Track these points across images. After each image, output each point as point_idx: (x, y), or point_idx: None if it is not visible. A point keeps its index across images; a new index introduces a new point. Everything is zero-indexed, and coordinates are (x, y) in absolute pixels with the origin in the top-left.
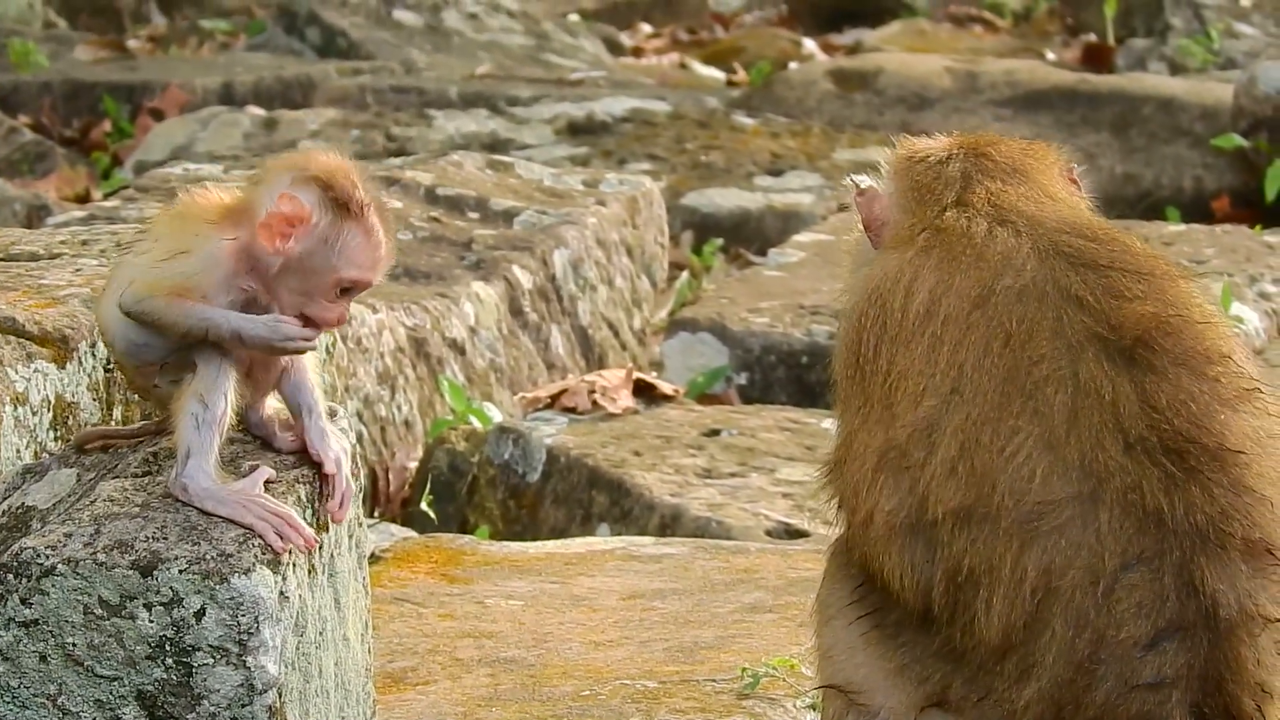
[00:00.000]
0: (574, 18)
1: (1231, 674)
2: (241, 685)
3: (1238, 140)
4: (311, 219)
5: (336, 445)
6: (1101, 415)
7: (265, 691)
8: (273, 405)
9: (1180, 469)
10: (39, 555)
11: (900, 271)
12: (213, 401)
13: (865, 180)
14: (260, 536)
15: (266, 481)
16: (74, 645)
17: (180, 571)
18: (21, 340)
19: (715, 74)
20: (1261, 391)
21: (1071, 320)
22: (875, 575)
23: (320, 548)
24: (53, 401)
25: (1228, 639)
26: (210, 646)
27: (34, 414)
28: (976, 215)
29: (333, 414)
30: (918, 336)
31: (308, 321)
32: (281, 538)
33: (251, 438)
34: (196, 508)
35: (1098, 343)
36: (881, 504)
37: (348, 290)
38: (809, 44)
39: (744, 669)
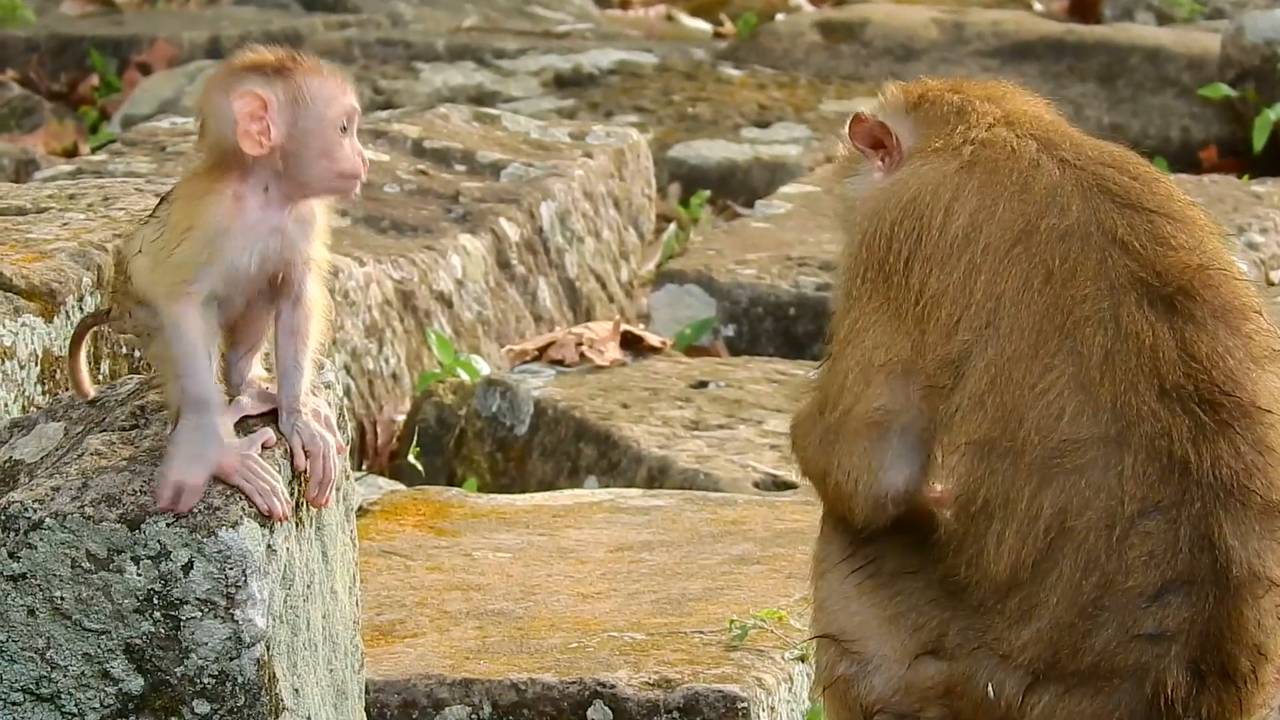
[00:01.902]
0: None
1: (1232, 633)
2: (229, 638)
3: (1225, 90)
4: (270, 98)
5: (310, 433)
6: (1139, 359)
7: (253, 644)
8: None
9: (1213, 420)
10: (26, 509)
11: (940, 186)
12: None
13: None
14: (248, 499)
15: (264, 445)
16: (62, 599)
17: (168, 525)
18: (9, 294)
19: (702, 26)
20: None
21: (1115, 263)
22: (829, 482)
23: (307, 502)
24: (40, 355)
25: (1233, 597)
26: (198, 600)
27: (21, 368)
28: (1025, 135)
29: (318, 367)
30: (955, 259)
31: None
32: (269, 508)
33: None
34: None
35: (1141, 287)
36: (866, 400)
37: (345, 129)
38: None
39: (732, 621)
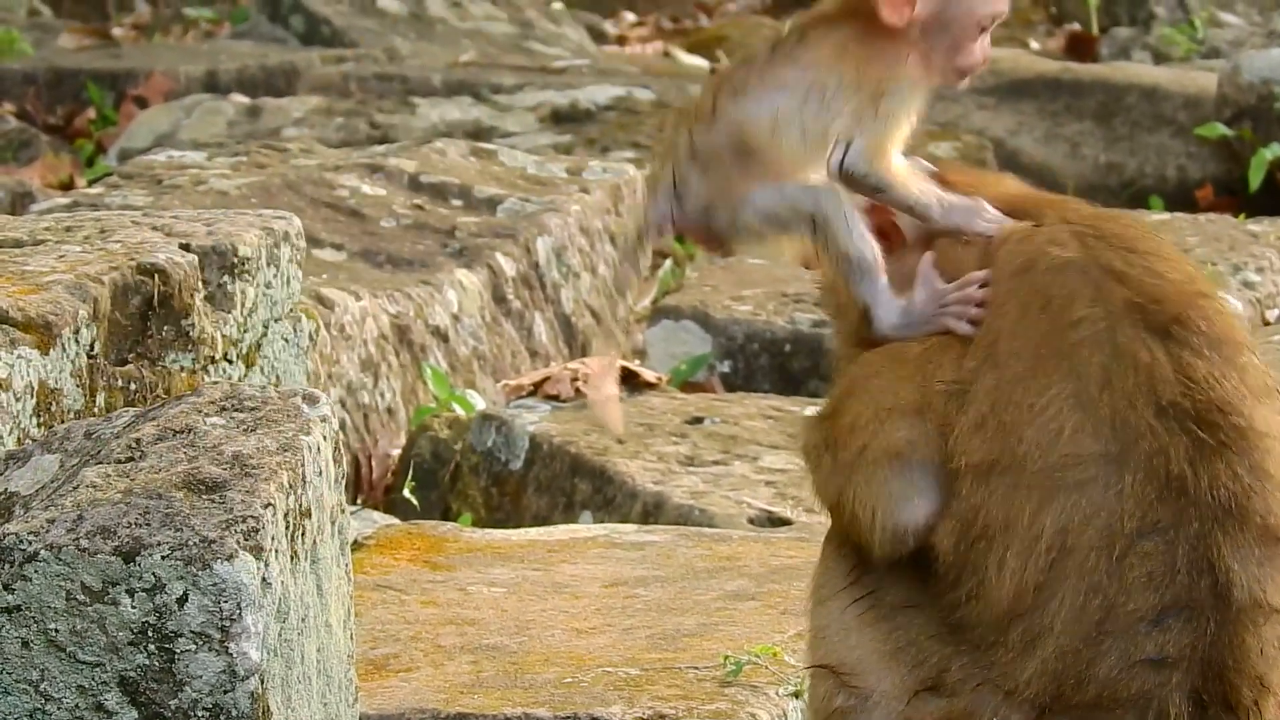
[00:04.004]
0: (558, 6)
1: (1234, 661)
2: (224, 671)
3: (1221, 129)
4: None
5: None
6: (1136, 378)
7: (247, 678)
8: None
9: (1212, 440)
10: (21, 541)
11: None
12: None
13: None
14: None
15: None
16: (56, 631)
17: (163, 557)
18: (4, 326)
19: (699, 62)
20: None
21: (1111, 291)
22: (844, 511)
23: (303, 534)
24: (36, 388)
25: (1234, 623)
26: (193, 633)
27: (17, 400)
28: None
29: (313, 400)
30: None
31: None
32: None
33: None
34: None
35: (1137, 311)
36: (884, 435)
37: (985, 29)
38: None
39: (726, 656)
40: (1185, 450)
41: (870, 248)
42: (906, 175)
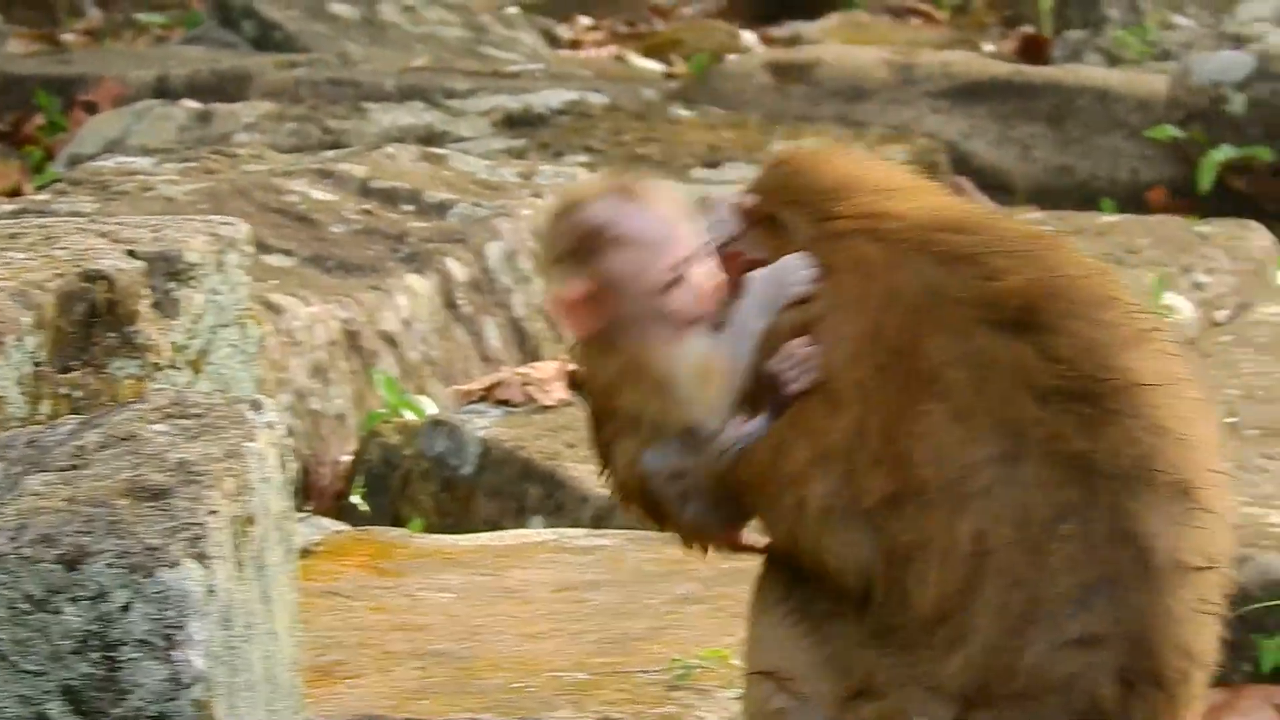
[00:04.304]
0: (511, 10)
1: (1159, 631)
2: (168, 679)
3: (1172, 131)
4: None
5: None
6: (1006, 378)
7: (192, 685)
8: None
9: (1098, 410)
10: None
11: None
12: None
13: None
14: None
15: None
16: None
17: (107, 565)
18: None
19: (653, 66)
20: (1160, 331)
21: (949, 314)
22: (809, 558)
23: (248, 541)
24: None
25: (1157, 590)
26: (137, 641)
27: None
28: (847, 233)
29: (259, 406)
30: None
31: None
32: None
33: None
34: None
35: (982, 324)
36: (814, 489)
37: (675, 277)
38: (747, 36)
39: (675, 660)
40: (1078, 427)
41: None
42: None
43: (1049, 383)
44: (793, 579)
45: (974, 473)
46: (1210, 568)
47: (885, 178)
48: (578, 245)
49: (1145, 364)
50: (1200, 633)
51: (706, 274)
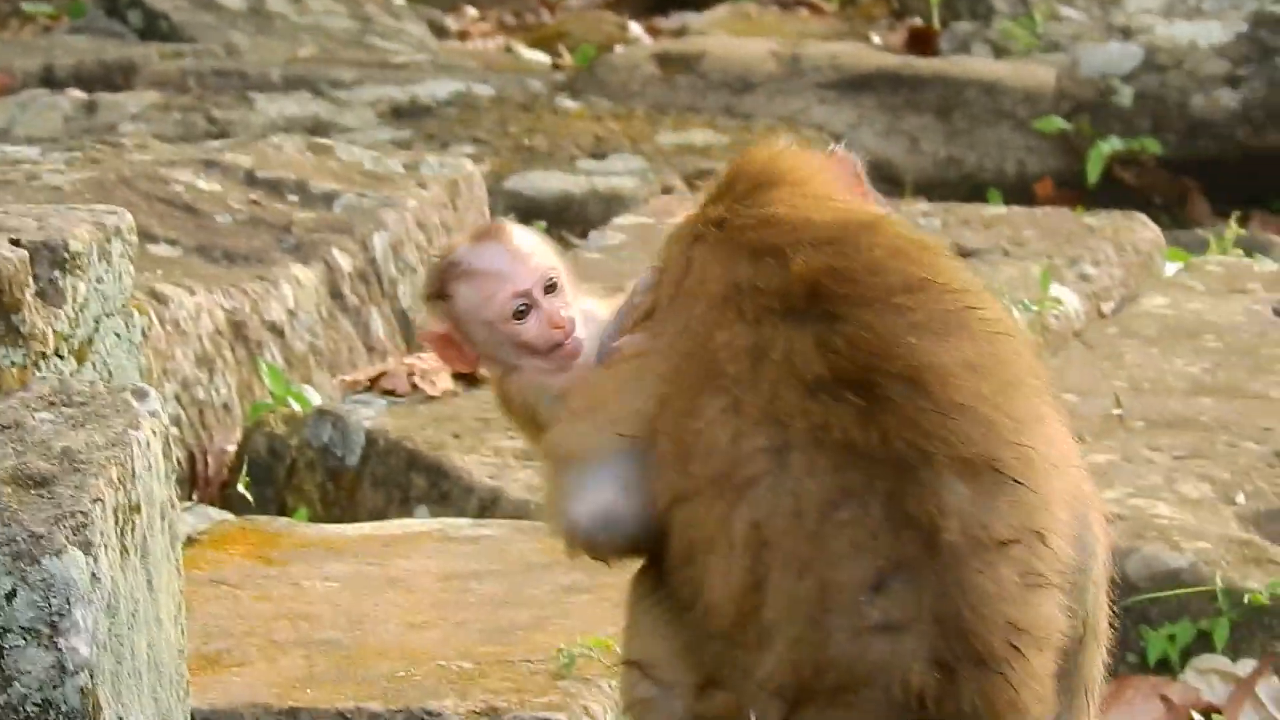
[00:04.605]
0: (398, 1)
1: (971, 610)
2: (53, 667)
3: (1060, 123)
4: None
5: None
6: (776, 370)
7: (77, 673)
8: None
9: (868, 399)
10: None
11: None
12: None
13: None
14: None
15: None
16: None
17: None
18: None
19: (540, 58)
20: (981, 310)
21: (746, 305)
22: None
23: (133, 529)
24: None
25: (956, 569)
26: (21, 628)
27: None
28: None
29: (143, 395)
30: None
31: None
32: None
33: None
34: None
35: (772, 312)
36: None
37: (520, 312)
38: (635, 28)
39: (560, 649)
40: (849, 417)
41: None
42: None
43: (817, 373)
44: (655, 568)
45: (744, 465)
46: (1017, 540)
47: (783, 175)
48: (434, 285)
49: (940, 348)
50: (1031, 607)
51: (560, 303)
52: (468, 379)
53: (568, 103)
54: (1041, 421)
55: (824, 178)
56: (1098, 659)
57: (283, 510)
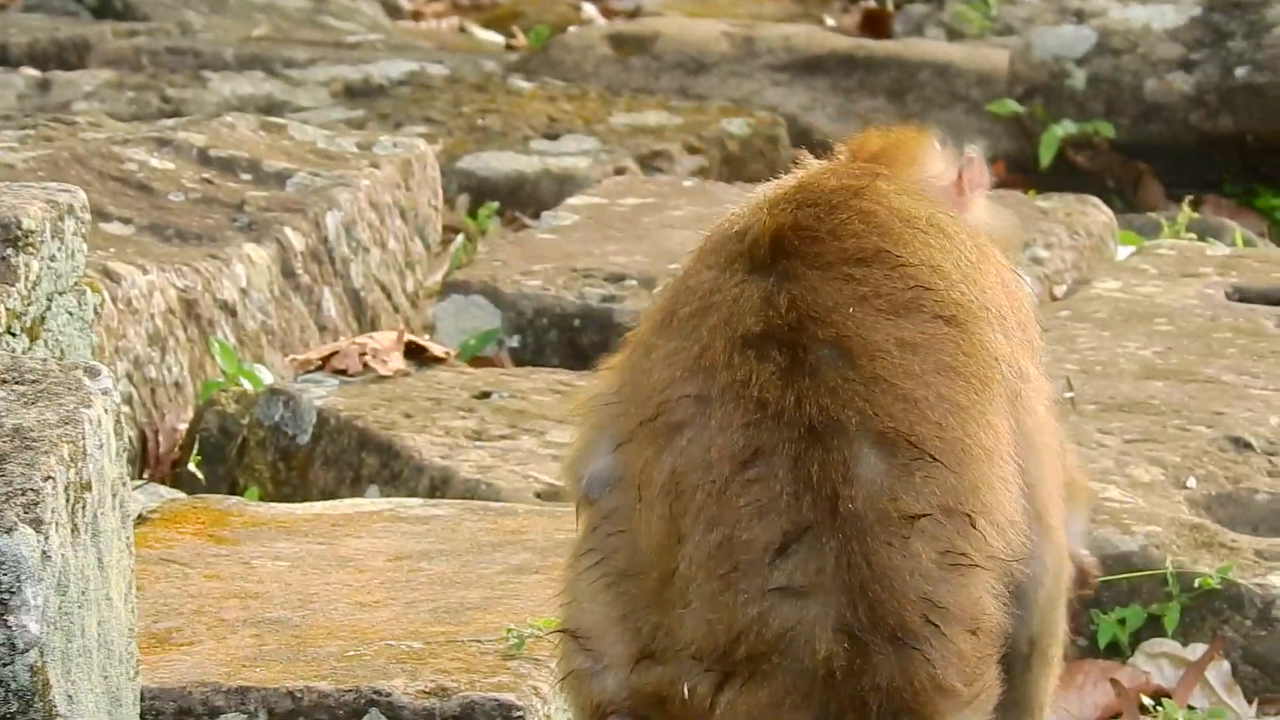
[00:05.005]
0: None
1: (881, 583)
2: (3, 644)
3: (1013, 106)
4: None
5: None
6: (718, 318)
7: (27, 651)
8: None
9: (792, 361)
10: None
11: None
12: None
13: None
14: None
15: None
16: None
17: None
18: None
19: (495, 38)
20: (934, 293)
21: (724, 251)
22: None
23: (84, 507)
24: None
25: (863, 540)
26: None
27: None
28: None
29: (95, 373)
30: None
31: None
32: None
33: None
34: None
35: (741, 258)
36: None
37: None
38: (589, 8)
39: (509, 629)
40: (771, 375)
41: None
42: None
43: (753, 327)
44: (595, 530)
45: (673, 410)
46: (931, 516)
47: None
48: None
49: (882, 325)
50: (953, 586)
51: None
52: (419, 358)
53: (521, 83)
54: (980, 409)
55: (920, 162)
56: (1045, 682)
57: (234, 489)
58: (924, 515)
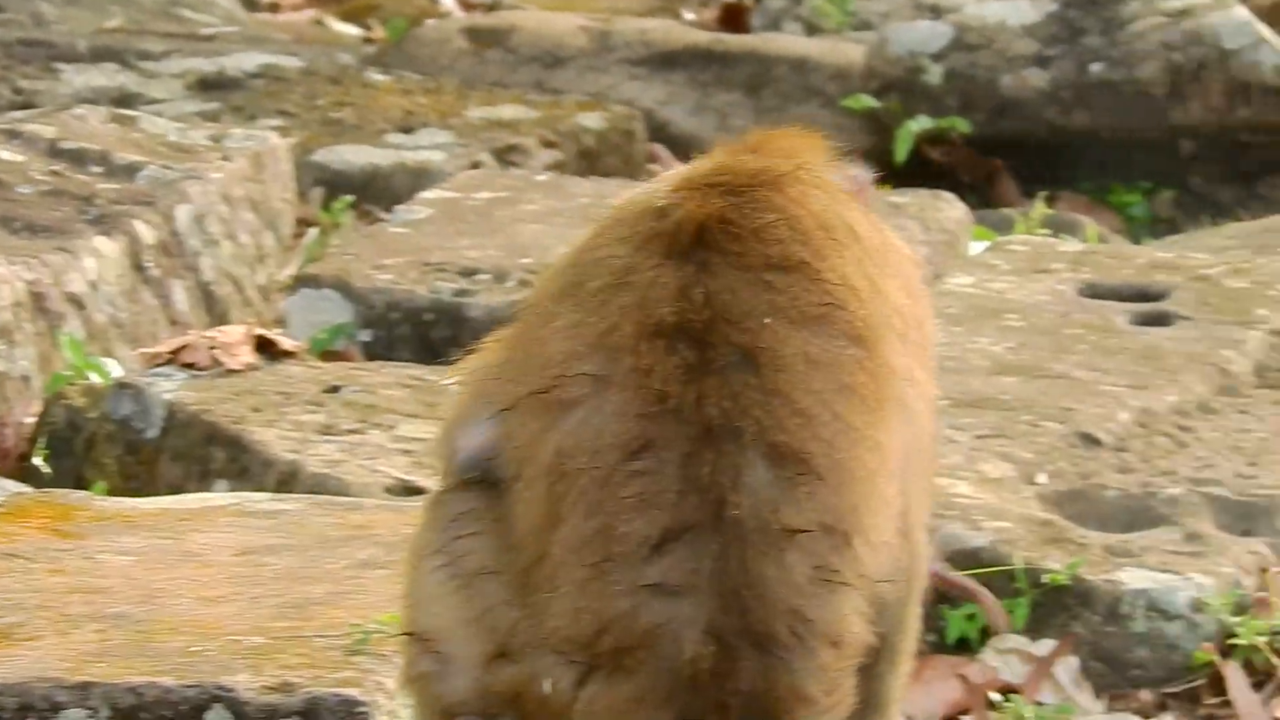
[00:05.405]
0: None
1: (752, 591)
2: None
3: (869, 101)
4: None
5: None
6: (629, 297)
7: None
8: None
9: (700, 359)
10: None
11: None
12: None
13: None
14: None
15: None
16: None
17: None
18: None
19: (352, 31)
20: (845, 311)
21: (639, 228)
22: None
23: None
24: None
25: (742, 547)
26: None
27: None
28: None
29: None
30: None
31: None
32: None
33: None
34: None
35: (659, 239)
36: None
37: None
38: (447, 2)
39: (354, 625)
40: (675, 369)
41: None
42: None
43: (664, 317)
44: (446, 529)
45: (568, 386)
46: (811, 533)
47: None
48: None
49: (792, 337)
50: (823, 603)
51: None
52: (270, 352)
53: (377, 76)
54: (872, 431)
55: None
56: (896, 679)
57: (80, 483)
58: (804, 531)
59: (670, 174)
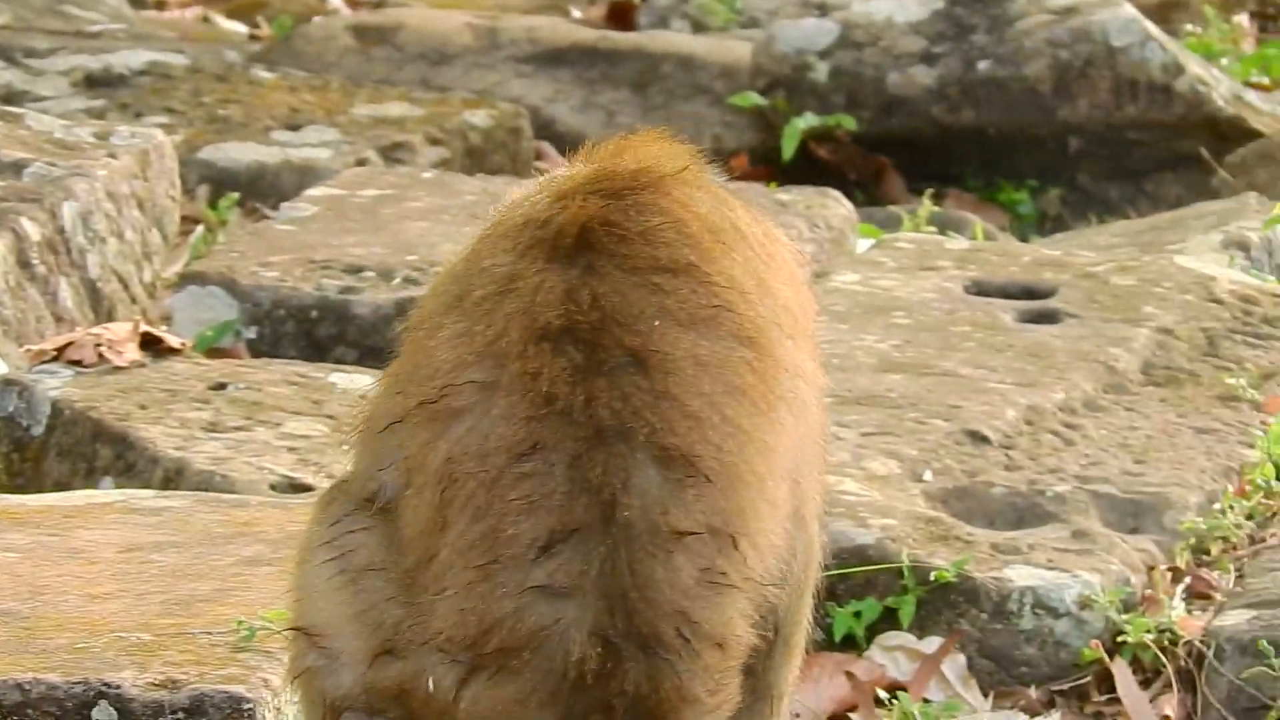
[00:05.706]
0: None
1: (640, 593)
2: None
3: (755, 99)
4: None
5: None
6: (515, 304)
7: None
8: None
9: (588, 361)
10: None
11: None
12: None
13: None
14: None
15: None
16: None
17: None
18: None
19: (239, 28)
20: (734, 313)
21: (523, 236)
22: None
23: None
24: None
25: (630, 549)
26: None
27: None
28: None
29: None
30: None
31: None
32: None
33: None
34: None
35: (541, 245)
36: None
37: None
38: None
39: (240, 622)
40: (562, 371)
41: None
42: None
43: (550, 320)
44: (335, 524)
45: (456, 395)
46: (699, 535)
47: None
48: None
49: (681, 339)
50: (709, 605)
51: None
52: (155, 350)
53: (263, 73)
54: (761, 433)
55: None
56: (787, 670)
57: None
58: (692, 533)
59: (546, 179)
